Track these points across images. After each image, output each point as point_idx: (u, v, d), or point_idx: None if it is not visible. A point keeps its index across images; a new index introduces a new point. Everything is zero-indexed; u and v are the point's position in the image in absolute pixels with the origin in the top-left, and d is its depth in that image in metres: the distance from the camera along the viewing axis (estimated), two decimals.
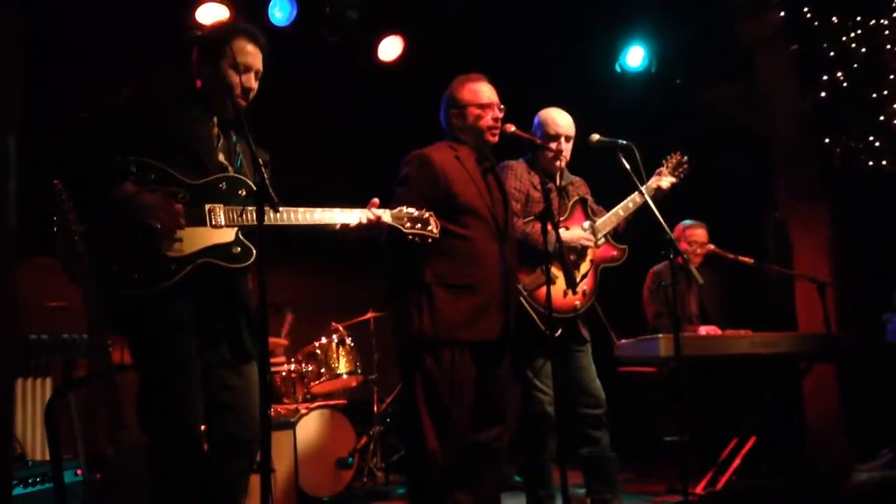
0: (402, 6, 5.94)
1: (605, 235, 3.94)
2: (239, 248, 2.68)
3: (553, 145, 3.87)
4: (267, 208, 2.55)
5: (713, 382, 4.89)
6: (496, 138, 3.52)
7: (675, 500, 3.91)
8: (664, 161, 4.22)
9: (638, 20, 6.40)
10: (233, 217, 2.69)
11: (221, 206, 2.69)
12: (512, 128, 3.50)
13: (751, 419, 4.88)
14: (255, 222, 2.60)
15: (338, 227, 2.87)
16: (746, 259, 5.08)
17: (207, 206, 2.67)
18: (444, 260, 3.26)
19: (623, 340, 4.71)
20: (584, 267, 3.91)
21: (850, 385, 5.43)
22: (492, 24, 5.95)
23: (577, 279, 3.82)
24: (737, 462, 4.75)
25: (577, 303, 3.83)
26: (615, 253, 3.99)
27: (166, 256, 2.57)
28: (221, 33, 2.85)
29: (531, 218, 3.74)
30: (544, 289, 3.34)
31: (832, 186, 5.70)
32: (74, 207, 2.80)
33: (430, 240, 3.09)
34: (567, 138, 3.93)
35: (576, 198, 3.99)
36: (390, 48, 6.08)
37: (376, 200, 2.97)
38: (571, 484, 3.21)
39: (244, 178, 2.76)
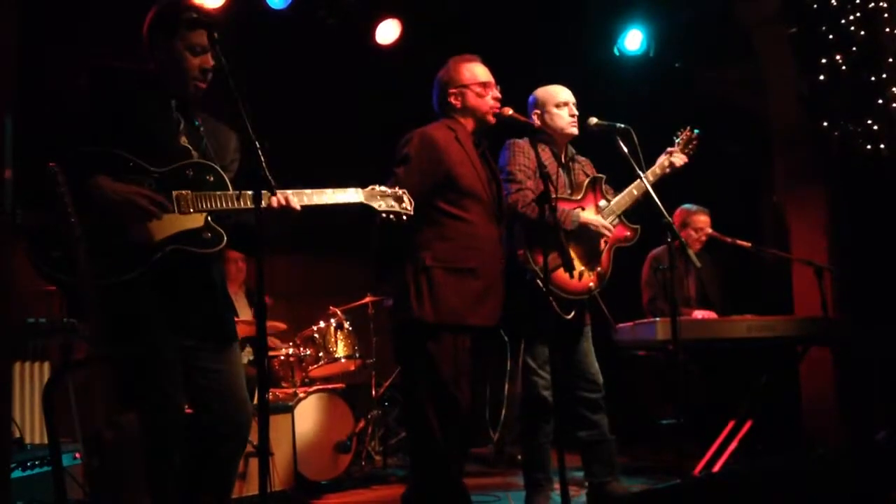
0: None
1: (618, 216, 3.90)
2: (210, 234, 2.63)
3: (565, 112, 3.87)
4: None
5: (710, 366, 4.90)
6: (494, 119, 3.49)
7: (673, 482, 3.92)
8: (675, 138, 4.15)
9: (636, 3, 6.37)
10: (201, 203, 2.64)
11: (189, 192, 2.63)
12: (510, 111, 3.46)
13: (747, 402, 4.89)
14: (224, 207, 2.59)
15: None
16: (743, 243, 5.08)
17: (175, 193, 2.61)
18: (444, 243, 3.23)
19: (621, 324, 4.71)
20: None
21: (846, 368, 5.44)
22: (489, 7, 5.91)
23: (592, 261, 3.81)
24: (733, 445, 4.76)
25: (592, 284, 3.82)
26: (628, 233, 3.96)
27: (135, 245, 2.52)
28: (170, 13, 2.73)
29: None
30: (560, 271, 3.38)
31: (830, 170, 5.69)
32: (70, 190, 2.78)
33: (404, 217, 2.97)
34: (574, 104, 3.93)
35: (591, 176, 3.95)
36: (388, 31, 6.05)
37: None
38: (569, 467, 3.22)
39: (211, 162, 2.70)
